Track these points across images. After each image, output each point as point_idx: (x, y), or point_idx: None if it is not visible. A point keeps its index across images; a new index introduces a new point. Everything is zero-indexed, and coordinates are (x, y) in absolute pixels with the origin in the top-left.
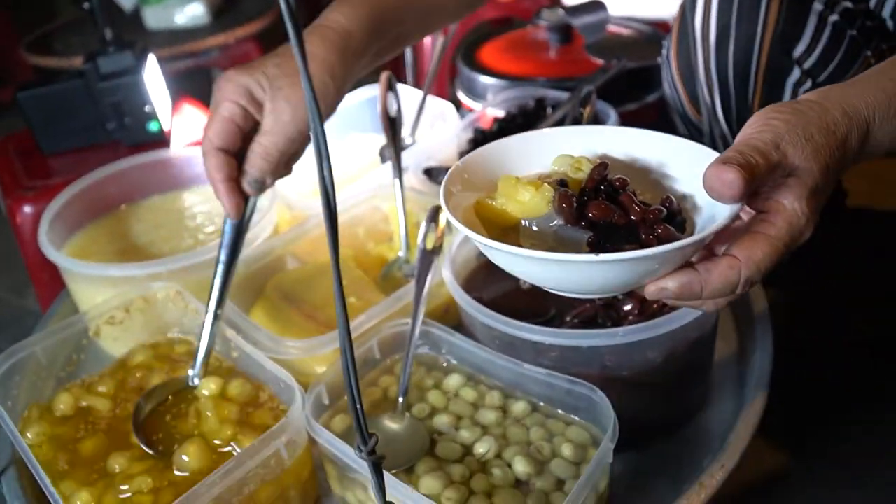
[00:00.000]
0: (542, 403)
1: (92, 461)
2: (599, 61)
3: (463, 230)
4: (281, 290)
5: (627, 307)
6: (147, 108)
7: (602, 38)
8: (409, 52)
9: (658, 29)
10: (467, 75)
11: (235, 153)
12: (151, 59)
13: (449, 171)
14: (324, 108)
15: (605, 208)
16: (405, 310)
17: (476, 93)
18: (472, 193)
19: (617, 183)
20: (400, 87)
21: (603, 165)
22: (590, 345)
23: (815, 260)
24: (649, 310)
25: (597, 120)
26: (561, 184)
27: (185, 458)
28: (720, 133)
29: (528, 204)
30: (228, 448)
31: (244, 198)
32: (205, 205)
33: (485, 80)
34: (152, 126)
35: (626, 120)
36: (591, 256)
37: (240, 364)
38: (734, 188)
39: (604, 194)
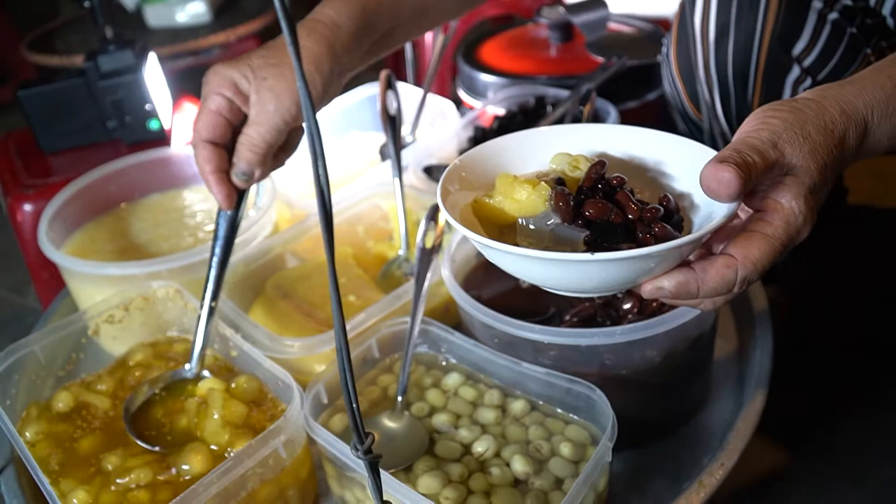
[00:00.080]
0: (541, 402)
1: (90, 460)
2: (600, 59)
3: (460, 229)
4: (280, 289)
5: (627, 306)
6: (147, 107)
7: (603, 36)
8: (409, 50)
9: (659, 26)
10: (468, 73)
11: (225, 146)
12: (152, 58)
13: (446, 170)
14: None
15: (602, 207)
16: (404, 308)
17: (477, 91)
18: (469, 192)
19: (614, 181)
20: (400, 85)
21: (600, 164)
22: (588, 344)
23: (816, 258)
24: (649, 308)
25: (597, 118)
26: (558, 182)
27: (185, 466)
28: (720, 131)
29: (525, 202)
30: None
31: (235, 189)
32: (204, 203)
33: (485, 77)
34: (153, 124)
35: (627, 118)
36: (587, 255)
37: (239, 363)
38: (731, 187)
39: (601, 193)
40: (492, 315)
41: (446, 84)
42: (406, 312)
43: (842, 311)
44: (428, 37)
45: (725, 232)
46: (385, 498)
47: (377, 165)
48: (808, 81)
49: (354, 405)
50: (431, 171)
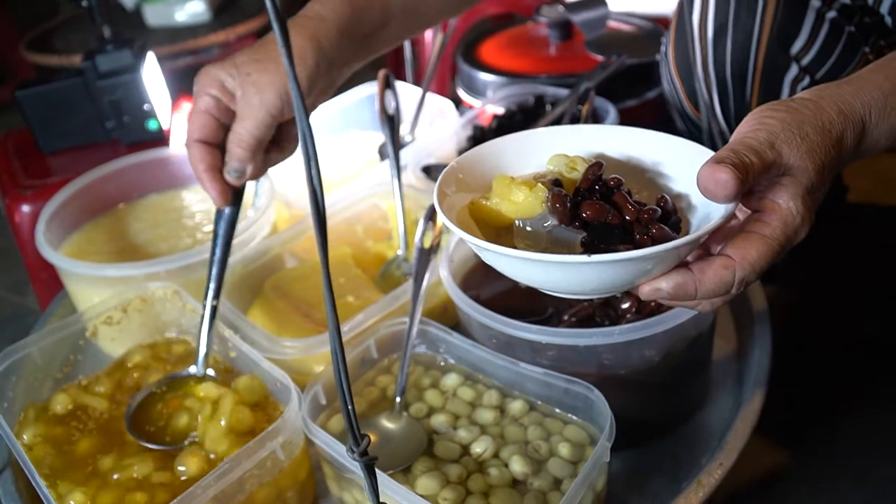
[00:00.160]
0: (539, 402)
1: (88, 462)
2: (599, 57)
3: (456, 231)
4: (279, 289)
5: (625, 305)
6: (146, 107)
7: (602, 35)
8: (408, 49)
9: (658, 25)
10: (467, 72)
11: (218, 145)
12: (150, 57)
13: (443, 172)
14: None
15: (599, 208)
16: (403, 309)
17: (476, 90)
18: (466, 194)
19: (611, 182)
20: (399, 84)
21: (597, 165)
22: (587, 344)
23: (816, 256)
24: (647, 308)
25: (596, 117)
26: (555, 184)
27: (181, 468)
28: (718, 130)
29: (521, 204)
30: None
31: (230, 187)
32: (203, 204)
33: (485, 76)
34: (151, 124)
35: (626, 116)
36: (584, 257)
37: (237, 363)
38: (728, 188)
39: (598, 194)
40: (490, 315)
41: (446, 83)
42: (405, 313)
43: (841, 309)
44: (427, 35)
45: (723, 232)
46: (383, 499)
47: (376, 165)
48: (807, 80)
49: (350, 407)
50: (430, 171)
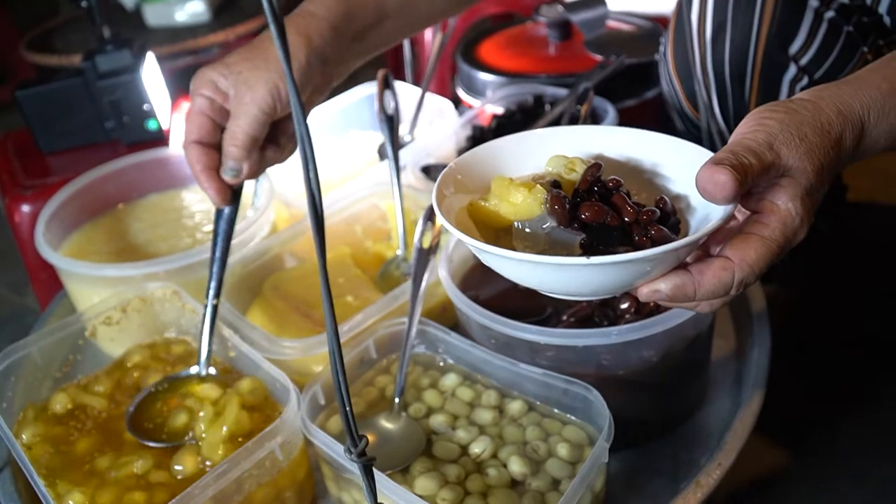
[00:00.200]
0: (538, 403)
1: (87, 461)
2: (598, 57)
3: (455, 233)
4: (278, 290)
5: (624, 306)
6: (146, 107)
7: (601, 34)
8: (408, 49)
9: (658, 24)
10: (467, 72)
11: (214, 145)
12: (150, 58)
13: (442, 174)
14: (283, 86)
15: (598, 210)
16: (402, 309)
17: (476, 89)
18: (465, 195)
19: (610, 184)
20: (399, 84)
21: (596, 166)
22: (585, 344)
23: (815, 255)
24: (646, 308)
25: (595, 116)
26: (554, 185)
27: (178, 467)
28: (717, 130)
29: (520, 205)
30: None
31: (227, 186)
32: (203, 204)
33: (484, 76)
34: (151, 124)
35: (625, 116)
36: (583, 259)
37: (237, 364)
38: (726, 190)
39: (597, 195)
40: (489, 316)
41: (446, 83)
42: (404, 313)
43: (841, 308)
44: (427, 35)
45: (722, 233)
46: (382, 499)
47: (375, 165)
48: (805, 80)
49: (348, 408)
50: (429, 171)
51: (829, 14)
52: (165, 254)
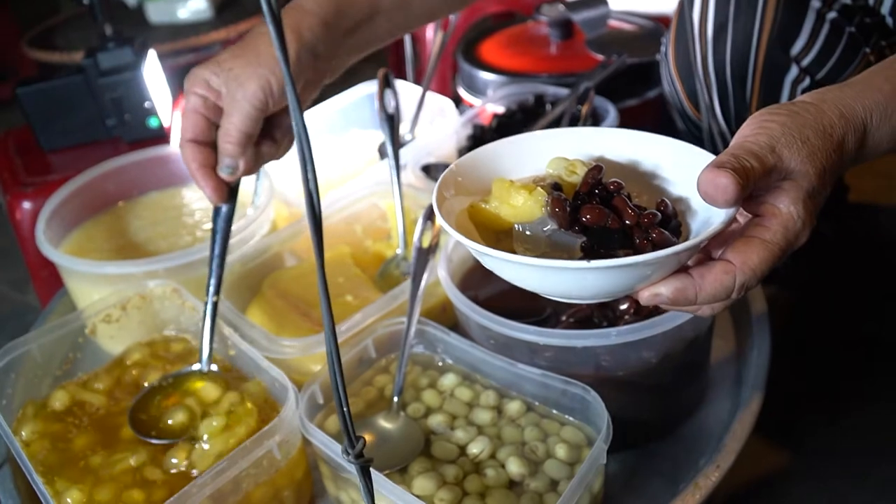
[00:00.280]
0: (537, 403)
1: (86, 459)
2: (600, 57)
3: (455, 236)
4: (277, 288)
5: (623, 306)
6: (147, 105)
7: (603, 34)
8: (409, 48)
9: (660, 24)
10: (468, 71)
11: (210, 143)
12: (152, 55)
13: (442, 175)
14: (275, 84)
15: (599, 212)
16: (402, 308)
17: (476, 89)
18: (465, 197)
19: (611, 186)
20: (400, 83)
21: (597, 169)
22: (584, 345)
23: (816, 256)
24: (645, 310)
25: (596, 116)
26: (555, 187)
27: (174, 460)
28: (718, 130)
29: (521, 208)
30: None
31: (224, 183)
32: (203, 201)
33: (485, 75)
34: (152, 122)
35: (626, 116)
36: (583, 263)
37: (236, 362)
38: (728, 193)
39: (598, 198)
40: (488, 316)
41: (447, 82)
42: (403, 312)
43: (842, 309)
44: (428, 34)
45: (724, 237)
46: (380, 500)
47: (376, 164)
48: (807, 81)
49: (345, 409)
50: (430, 170)
51: (832, 15)
52: (166, 251)
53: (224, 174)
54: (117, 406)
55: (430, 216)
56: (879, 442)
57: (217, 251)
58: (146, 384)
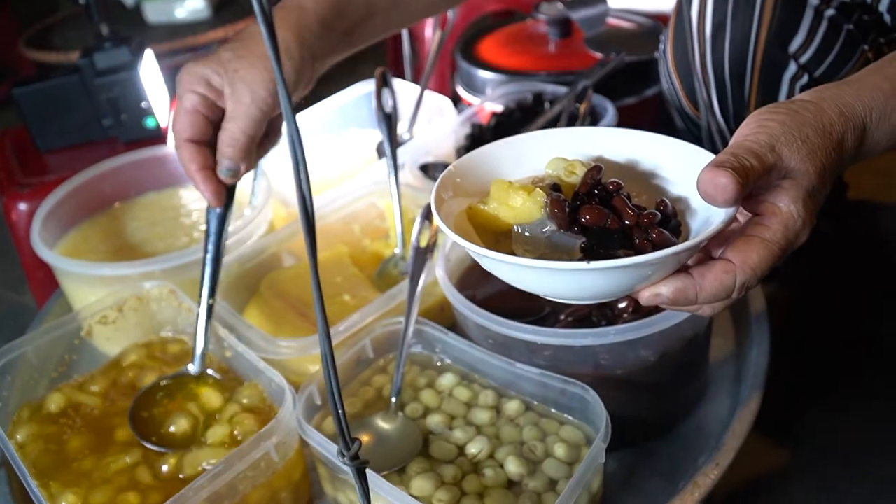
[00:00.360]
0: (535, 403)
1: (81, 462)
2: (598, 55)
3: (454, 238)
4: (275, 289)
5: (622, 305)
6: (144, 104)
7: (602, 32)
8: (407, 46)
9: (658, 22)
10: (466, 70)
11: (207, 143)
12: (149, 55)
13: (440, 177)
14: None
15: (599, 213)
16: (400, 308)
17: (475, 87)
18: (464, 198)
19: (611, 186)
20: (398, 81)
21: (596, 169)
22: (582, 344)
23: (815, 254)
24: (644, 308)
25: (594, 115)
26: (554, 188)
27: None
28: (717, 128)
29: (520, 209)
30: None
31: (223, 186)
32: (200, 202)
33: (484, 74)
34: (149, 122)
35: (625, 114)
36: (583, 264)
37: (233, 363)
38: (728, 192)
39: (597, 198)
40: (486, 316)
41: (445, 80)
42: (401, 312)
43: (841, 307)
44: (427, 32)
45: (724, 236)
46: (377, 501)
47: (374, 163)
48: (805, 78)
49: (340, 410)
50: (428, 169)
51: (830, 12)
52: (162, 252)
53: (225, 177)
54: (113, 407)
55: (427, 215)
56: (878, 440)
57: (211, 252)
58: (139, 387)
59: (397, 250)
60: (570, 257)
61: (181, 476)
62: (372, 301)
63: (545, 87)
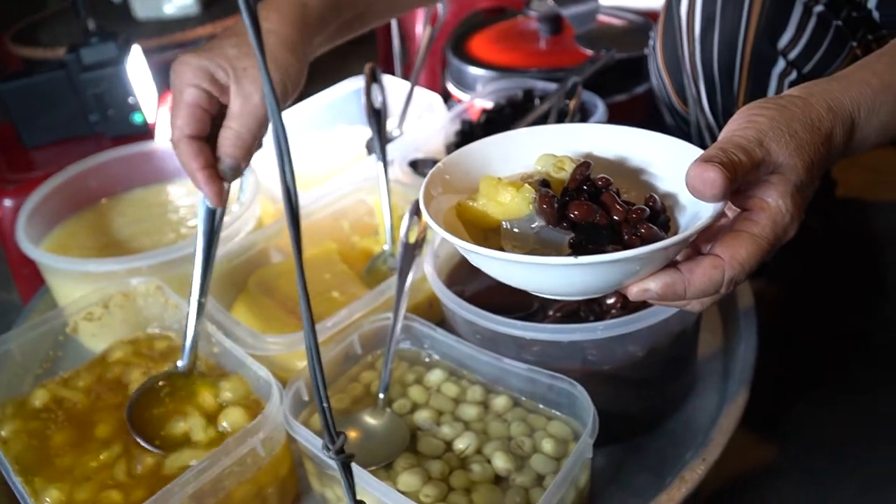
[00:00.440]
0: (523, 398)
1: (65, 458)
2: (589, 52)
3: (443, 234)
4: (262, 285)
5: (610, 301)
6: (131, 100)
7: (592, 29)
8: (397, 43)
9: (648, 19)
10: (456, 66)
11: (207, 139)
12: (136, 50)
13: (429, 174)
14: (290, 86)
15: (587, 209)
16: (388, 304)
17: (466, 84)
18: (453, 195)
19: (600, 182)
20: (388, 78)
21: (585, 165)
22: (570, 339)
23: (804, 251)
24: (632, 304)
25: (584, 111)
26: (543, 184)
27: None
28: (706, 124)
29: (508, 205)
30: None
31: (223, 184)
32: (188, 198)
33: (474, 71)
34: (136, 118)
35: (615, 111)
36: (571, 259)
37: (220, 360)
38: (716, 187)
39: (586, 194)
40: (474, 311)
41: (435, 77)
42: (390, 308)
43: (829, 303)
44: (417, 28)
45: (712, 231)
46: (364, 496)
47: (363, 159)
48: (794, 74)
49: (325, 404)
50: (417, 166)
51: (819, 8)
52: (149, 249)
53: (227, 175)
54: (98, 405)
55: (416, 211)
56: (866, 435)
57: (203, 249)
58: (125, 383)
59: (386, 247)
60: (558, 253)
61: (166, 473)
62: (360, 297)
63: (535, 84)
